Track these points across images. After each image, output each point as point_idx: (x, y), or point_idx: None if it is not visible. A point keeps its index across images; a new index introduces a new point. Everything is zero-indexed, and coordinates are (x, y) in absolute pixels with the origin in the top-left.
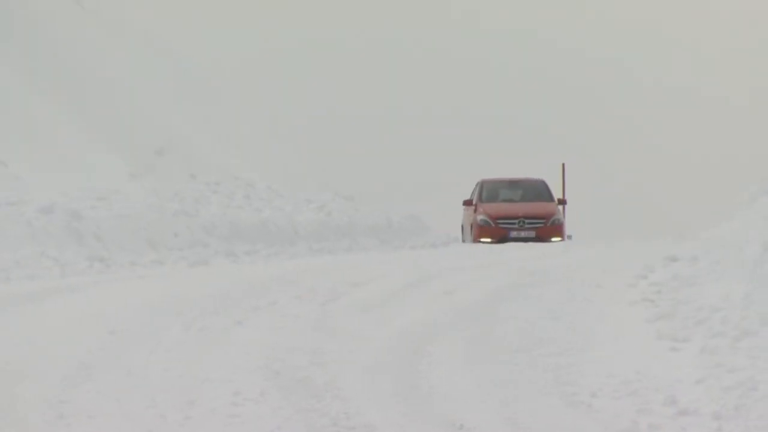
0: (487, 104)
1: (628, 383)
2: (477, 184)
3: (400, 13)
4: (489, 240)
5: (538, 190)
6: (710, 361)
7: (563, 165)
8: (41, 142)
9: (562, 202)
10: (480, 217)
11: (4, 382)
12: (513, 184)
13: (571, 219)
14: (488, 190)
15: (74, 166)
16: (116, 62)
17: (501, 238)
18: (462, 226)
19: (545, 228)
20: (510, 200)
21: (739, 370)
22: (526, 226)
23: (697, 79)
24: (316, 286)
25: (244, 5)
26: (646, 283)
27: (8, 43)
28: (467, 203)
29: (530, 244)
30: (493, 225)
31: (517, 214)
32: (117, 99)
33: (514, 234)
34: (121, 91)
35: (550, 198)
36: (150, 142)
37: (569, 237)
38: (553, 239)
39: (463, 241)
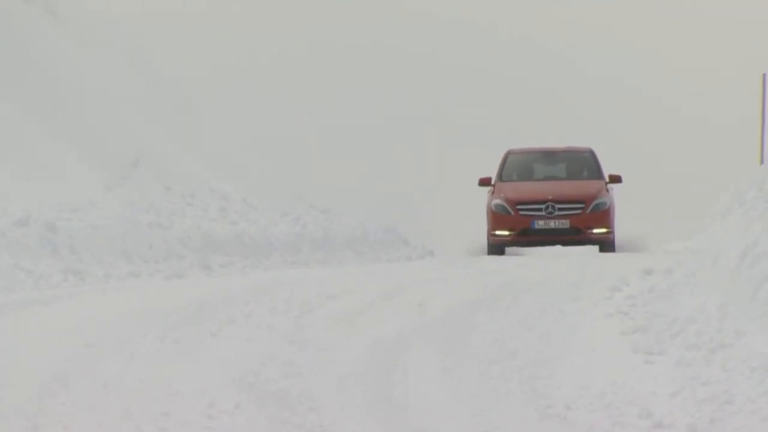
0: (471, 107)
1: (603, 396)
2: (502, 157)
3: (381, 18)
4: (507, 233)
5: (581, 164)
6: (685, 373)
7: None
8: (16, 153)
9: (616, 179)
10: (495, 201)
11: None
12: (548, 156)
13: None
14: (512, 165)
15: (49, 177)
16: (91, 73)
17: (522, 230)
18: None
19: (583, 216)
20: (541, 178)
21: (714, 383)
22: (557, 213)
23: (674, 93)
24: (291, 298)
25: (220, 17)
26: (621, 296)
27: None
28: (484, 182)
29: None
30: (512, 212)
31: (545, 196)
32: (92, 110)
33: (539, 224)
34: (96, 102)
35: (598, 174)
36: (125, 154)
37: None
38: (596, 231)
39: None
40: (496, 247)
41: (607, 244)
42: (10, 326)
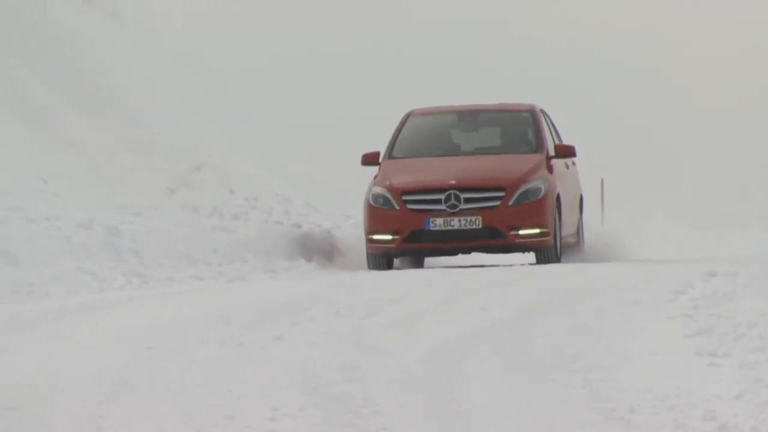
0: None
1: (666, 398)
2: (400, 121)
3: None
4: (389, 238)
5: (516, 131)
6: (749, 376)
7: (602, 181)
8: (80, 158)
9: (565, 152)
10: (374, 190)
11: (42, 396)
12: (468, 118)
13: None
14: (411, 132)
15: (112, 181)
16: (152, 76)
17: (412, 233)
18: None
19: (503, 210)
20: (451, 152)
21: None
22: (463, 206)
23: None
24: (355, 301)
25: (277, 17)
26: (684, 299)
27: (47, 61)
28: (369, 160)
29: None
30: (398, 206)
31: (446, 180)
32: (154, 115)
33: (437, 224)
34: (158, 108)
35: (538, 144)
36: (188, 158)
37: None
38: (524, 232)
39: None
40: (377, 258)
41: (544, 252)
42: (73, 329)
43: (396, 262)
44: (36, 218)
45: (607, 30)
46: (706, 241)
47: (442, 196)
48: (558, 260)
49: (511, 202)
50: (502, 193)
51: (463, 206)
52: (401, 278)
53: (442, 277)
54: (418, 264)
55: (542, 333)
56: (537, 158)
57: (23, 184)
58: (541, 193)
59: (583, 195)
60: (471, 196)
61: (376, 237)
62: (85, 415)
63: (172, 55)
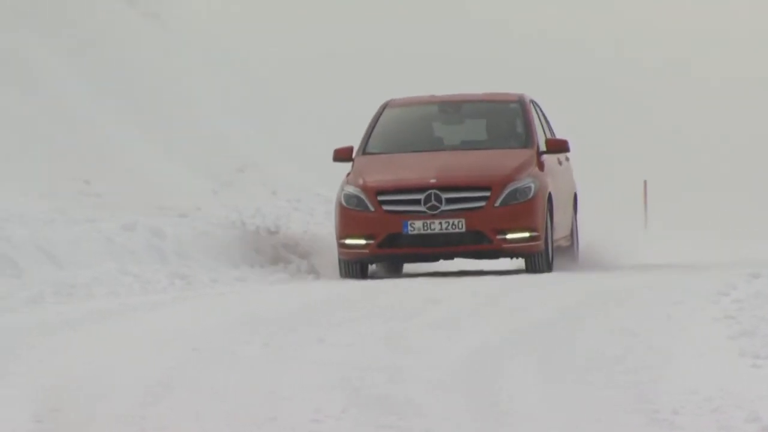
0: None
1: (710, 400)
2: (375, 113)
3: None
4: (363, 243)
5: (504, 123)
6: None
7: (645, 183)
8: (123, 160)
9: (557, 146)
10: (347, 189)
11: (85, 398)
12: (451, 110)
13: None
14: (387, 126)
15: (155, 183)
16: (195, 80)
17: (388, 237)
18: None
19: (489, 212)
20: (432, 148)
21: None
22: (445, 207)
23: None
24: (396, 303)
25: (318, 15)
26: (728, 300)
27: (89, 62)
28: (341, 156)
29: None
30: (372, 207)
31: (426, 179)
32: (197, 117)
33: (415, 227)
34: (201, 109)
35: (527, 139)
36: (230, 160)
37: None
38: (511, 236)
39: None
40: (350, 265)
41: (534, 258)
42: (116, 331)
43: (371, 268)
44: (78, 220)
45: (639, 29)
46: (734, 249)
47: (421, 197)
48: (550, 267)
49: (497, 203)
50: (487, 193)
51: (444, 207)
52: (442, 280)
53: (483, 278)
54: (397, 271)
55: (585, 334)
56: (526, 154)
57: (66, 185)
58: (531, 193)
59: (578, 193)
60: (453, 196)
61: (348, 241)
62: (128, 416)
63: (213, 56)
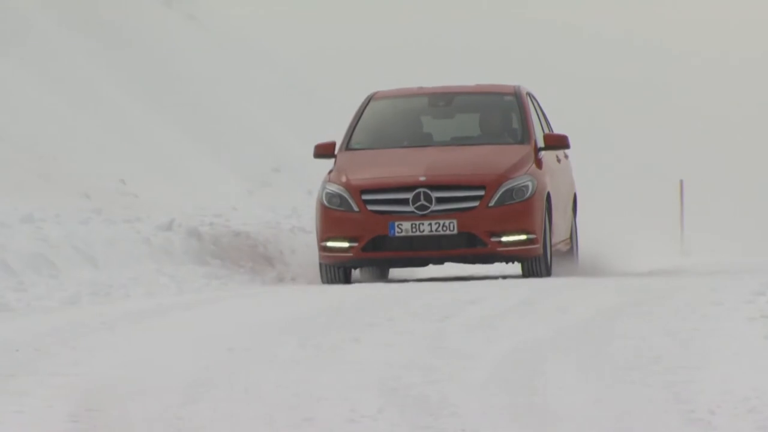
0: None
1: (747, 400)
2: (360, 106)
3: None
4: (346, 246)
5: (499, 117)
6: None
7: (681, 182)
8: (159, 160)
9: (557, 142)
10: (329, 188)
11: (121, 398)
12: (441, 102)
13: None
14: (372, 119)
15: (191, 183)
16: (231, 81)
17: (374, 240)
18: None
19: (483, 212)
20: (421, 143)
21: None
22: (435, 207)
23: None
24: (432, 303)
25: (354, 14)
26: (764, 300)
27: (126, 63)
28: (323, 151)
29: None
30: (356, 207)
31: (415, 177)
32: (233, 117)
33: (403, 229)
34: (237, 110)
35: (524, 134)
36: (266, 160)
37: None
38: (507, 238)
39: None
40: (332, 270)
41: (531, 263)
42: (152, 331)
43: (355, 273)
44: (115, 220)
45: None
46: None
47: (409, 196)
48: (548, 272)
49: (492, 203)
50: (481, 192)
51: (434, 208)
52: (477, 282)
53: (516, 281)
54: (382, 277)
55: (621, 334)
56: (523, 150)
57: (103, 185)
58: (528, 192)
59: (577, 193)
60: (444, 195)
61: (330, 244)
62: (164, 416)
63: (250, 56)
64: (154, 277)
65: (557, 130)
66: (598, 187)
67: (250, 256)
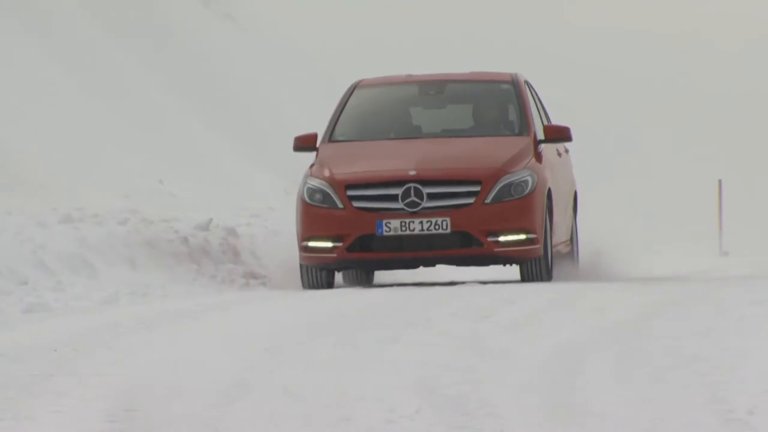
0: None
1: None
2: (344, 94)
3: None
4: (330, 246)
5: (495, 107)
6: None
7: (720, 182)
8: (196, 160)
9: (558, 134)
10: (310, 183)
11: (158, 398)
12: (432, 90)
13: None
14: (357, 108)
15: (229, 183)
16: (268, 81)
17: (360, 239)
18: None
19: (478, 210)
20: (410, 135)
21: None
22: (426, 204)
23: None
24: (470, 302)
25: (393, 15)
26: None
27: (164, 63)
28: (304, 144)
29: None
30: (340, 204)
31: (404, 171)
32: (269, 117)
33: (391, 227)
34: (273, 110)
35: (522, 125)
36: (303, 159)
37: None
38: (504, 238)
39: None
40: (314, 273)
41: (531, 265)
42: (190, 331)
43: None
44: (153, 220)
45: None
46: None
47: (398, 191)
48: (549, 276)
49: (488, 200)
50: (477, 188)
51: (426, 204)
52: (514, 284)
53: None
54: (367, 281)
55: (659, 334)
56: (522, 142)
57: (140, 185)
58: (528, 188)
59: (578, 190)
60: (437, 191)
61: (312, 244)
62: (202, 416)
63: (286, 56)
64: (192, 277)
65: (583, 126)
66: (617, 186)
67: (288, 256)
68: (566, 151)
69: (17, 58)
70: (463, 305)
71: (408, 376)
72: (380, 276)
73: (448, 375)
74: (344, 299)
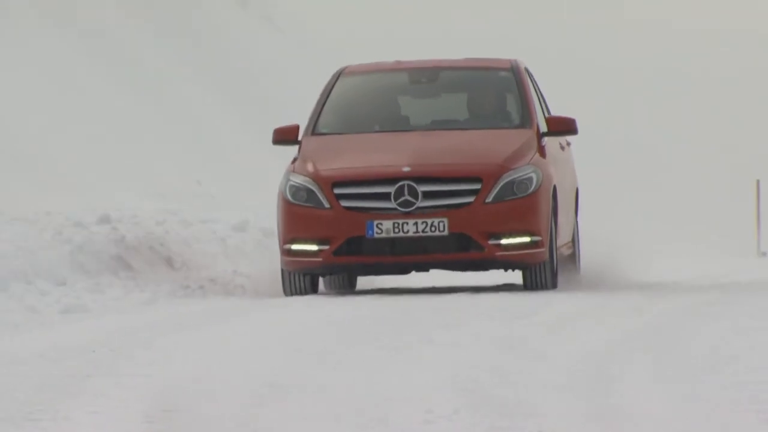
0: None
1: None
2: (328, 82)
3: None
4: (315, 249)
5: (494, 96)
6: None
7: (758, 182)
8: (234, 160)
9: (563, 126)
10: (293, 180)
11: (196, 399)
12: (423, 78)
13: None
14: (343, 98)
15: (266, 183)
16: (306, 83)
17: (348, 242)
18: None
19: (478, 210)
20: (401, 128)
21: None
22: (422, 204)
23: None
24: (505, 303)
25: (428, 13)
26: None
27: (202, 64)
28: (283, 136)
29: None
30: (327, 203)
31: (398, 167)
32: (307, 117)
33: (383, 229)
34: (311, 110)
35: (523, 116)
36: None
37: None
38: (507, 241)
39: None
40: (297, 278)
41: (535, 270)
42: (228, 331)
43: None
44: (192, 221)
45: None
46: None
47: (391, 190)
48: (554, 283)
49: (489, 199)
50: (477, 186)
51: (421, 204)
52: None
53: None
54: (350, 286)
55: (697, 335)
56: (524, 136)
57: (179, 186)
58: (533, 186)
59: (579, 188)
60: (433, 189)
61: (295, 247)
62: (238, 417)
63: (325, 58)
64: (230, 278)
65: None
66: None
67: None
68: (568, 144)
69: (57, 59)
70: (497, 306)
71: (444, 377)
72: (363, 282)
73: (485, 376)
74: (380, 300)
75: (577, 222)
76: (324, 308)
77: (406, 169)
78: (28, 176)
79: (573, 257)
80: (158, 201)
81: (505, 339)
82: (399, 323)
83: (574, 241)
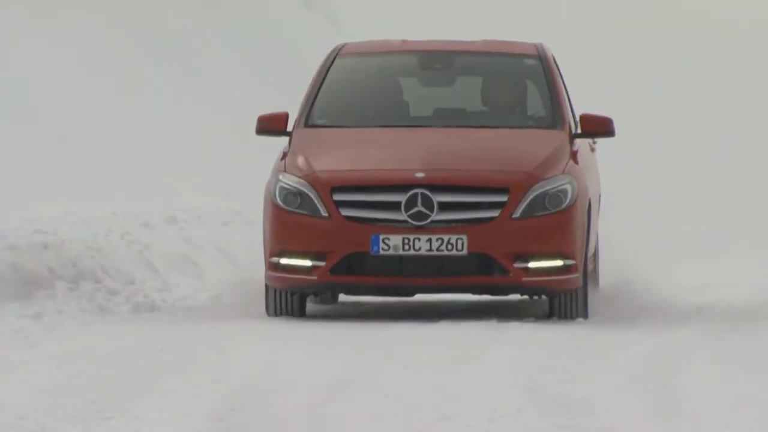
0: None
1: None
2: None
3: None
4: (309, 265)
5: (518, 88)
6: None
7: None
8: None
9: (598, 126)
10: (283, 180)
11: (263, 397)
12: (437, 64)
13: None
14: (341, 83)
15: None
16: None
17: (347, 258)
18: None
19: (504, 226)
20: (409, 122)
21: None
22: (437, 217)
23: None
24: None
25: (500, 15)
26: None
27: (267, 66)
28: (268, 125)
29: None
30: (324, 211)
31: (409, 172)
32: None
33: (391, 245)
34: None
35: (555, 113)
36: None
37: None
38: (535, 265)
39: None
40: (284, 297)
41: (567, 299)
42: (294, 330)
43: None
44: (255, 220)
45: None
46: None
47: (401, 198)
48: (585, 312)
49: (517, 214)
50: (503, 198)
51: (436, 217)
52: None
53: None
54: (331, 299)
55: (760, 334)
56: (556, 138)
57: (242, 186)
58: (567, 200)
59: (601, 194)
60: (451, 200)
61: (285, 262)
62: (307, 415)
63: None
64: None
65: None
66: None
67: None
68: (594, 143)
69: (124, 60)
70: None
71: (507, 376)
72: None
73: (547, 375)
74: (443, 299)
75: (598, 232)
76: (393, 307)
77: (419, 175)
78: (97, 177)
79: (594, 271)
80: (224, 201)
81: (567, 338)
82: (460, 323)
83: (596, 254)
